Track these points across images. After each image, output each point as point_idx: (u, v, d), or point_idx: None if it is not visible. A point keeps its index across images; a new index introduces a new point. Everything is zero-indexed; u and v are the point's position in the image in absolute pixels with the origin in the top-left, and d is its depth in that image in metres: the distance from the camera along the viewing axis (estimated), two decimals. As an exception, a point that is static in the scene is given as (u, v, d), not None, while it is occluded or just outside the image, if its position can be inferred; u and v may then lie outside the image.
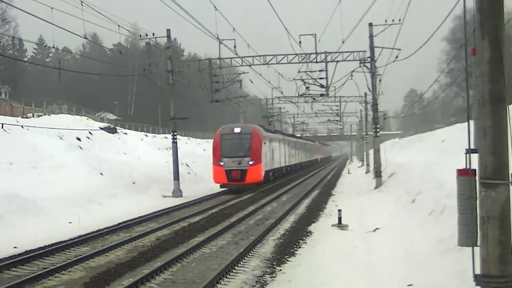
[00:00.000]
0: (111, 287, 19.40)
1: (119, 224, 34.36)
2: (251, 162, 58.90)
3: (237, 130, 61.31)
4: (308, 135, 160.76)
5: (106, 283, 19.87)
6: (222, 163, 58.72)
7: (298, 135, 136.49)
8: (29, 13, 36.09)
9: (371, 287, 18.17)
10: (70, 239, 28.64)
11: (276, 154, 75.82)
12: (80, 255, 24.57)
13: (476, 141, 11.81)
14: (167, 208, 42.28)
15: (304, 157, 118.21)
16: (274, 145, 73.48)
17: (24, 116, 73.34)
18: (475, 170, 11.79)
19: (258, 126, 63.56)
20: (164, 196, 52.57)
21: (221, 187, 60.38)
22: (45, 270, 21.62)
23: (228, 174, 58.58)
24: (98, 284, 19.77)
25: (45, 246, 26.93)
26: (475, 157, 11.77)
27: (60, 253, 25.85)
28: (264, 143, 61.93)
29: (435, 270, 17.32)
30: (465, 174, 11.95)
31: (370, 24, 54.81)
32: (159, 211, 41.09)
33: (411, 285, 17.07)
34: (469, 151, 11.94)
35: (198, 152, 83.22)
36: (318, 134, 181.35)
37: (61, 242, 27.95)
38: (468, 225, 11.84)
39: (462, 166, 12.07)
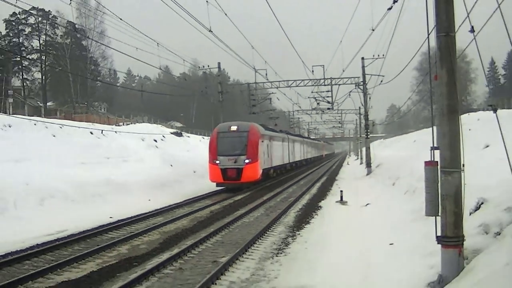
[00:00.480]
0: (179, 245, 19.53)
1: (184, 201, 34.64)
2: (247, 161, 43.57)
3: (233, 128, 45.80)
4: (318, 137, 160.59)
5: (175, 243, 20.13)
6: (217, 162, 43.74)
7: (312, 137, 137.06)
8: (121, 52, 36.65)
9: (363, 243, 18.19)
10: (149, 212, 28.86)
11: (278, 152, 57.93)
12: (156, 223, 24.87)
13: (438, 141, 11.90)
14: (217, 190, 42.58)
15: (309, 153, 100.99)
16: (275, 143, 56.39)
17: (117, 124, 73.67)
18: (437, 161, 11.88)
19: (256, 124, 48.04)
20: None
21: (217, 185, 44.33)
22: (131, 233, 21.92)
23: (223, 173, 43.58)
24: (169, 243, 20.03)
25: (132, 217, 27.14)
26: (437, 152, 11.87)
27: (142, 222, 26.21)
28: (262, 141, 46.83)
29: (409, 233, 17.30)
30: (430, 164, 12.03)
31: (362, 58, 55.85)
32: (212, 192, 41.40)
33: (392, 243, 17.08)
34: (433, 148, 12.03)
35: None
36: (326, 136, 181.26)
37: (143, 214, 28.17)
38: (432, 200, 11.91)
39: (428, 159, 12.15)
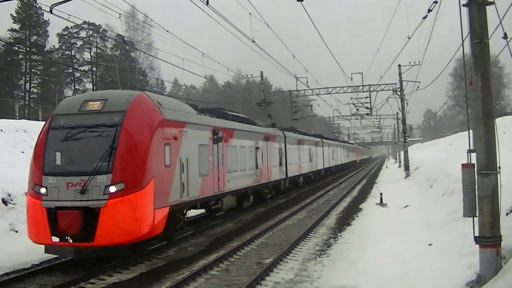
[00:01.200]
0: (225, 247, 19.62)
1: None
2: (114, 188, 15.80)
3: (92, 105, 17.38)
4: (357, 141, 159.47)
5: (221, 245, 20.17)
6: (42, 191, 16.21)
7: (352, 141, 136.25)
8: (168, 62, 37.24)
9: (403, 244, 18.10)
10: (197, 215, 28.83)
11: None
12: (203, 226, 24.79)
13: (474, 144, 11.85)
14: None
15: (336, 160, 74.75)
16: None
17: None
18: (474, 164, 11.84)
19: (151, 97, 18.52)
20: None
21: (46, 251, 16.67)
22: (179, 236, 21.52)
23: (52, 221, 15.75)
24: (215, 245, 20.13)
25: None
26: (473, 155, 11.82)
27: (191, 226, 25.85)
28: (180, 137, 19.15)
29: (447, 233, 17.19)
30: (467, 167, 12.00)
31: (399, 65, 55.52)
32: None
33: (431, 244, 17.00)
34: (469, 151, 11.99)
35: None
36: (365, 141, 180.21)
37: (191, 216, 28.01)
38: (470, 202, 11.87)
39: (465, 161, 12.09)
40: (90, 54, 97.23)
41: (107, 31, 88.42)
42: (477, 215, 11.79)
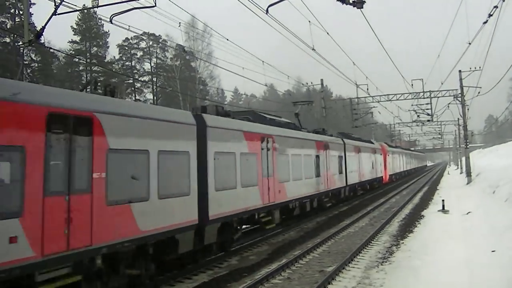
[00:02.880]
0: (287, 255, 19.62)
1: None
2: None
3: None
4: (418, 148, 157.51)
5: (283, 253, 20.21)
6: None
7: (412, 148, 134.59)
8: (228, 70, 37.33)
9: (465, 251, 17.81)
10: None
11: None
12: (264, 235, 24.37)
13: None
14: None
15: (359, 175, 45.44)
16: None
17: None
18: (537, 170, 11.61)
19: None
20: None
21: None
22: (239, 246, 21.53)
23: None
24: (277, 254, 20.19)
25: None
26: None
27: (250, 235, 24.83)
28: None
29: (511, 240, 16.88)
30: (530, 173, 11.76)
31: (460, 71, 54.61)
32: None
33: (494, 250, 16.68)
34: (532, 158, 11.74)
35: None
36: (426, 147, 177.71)
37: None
38: (533, 209, 11.63)
39: (527, 168, 11.86)
40: (150, 65, 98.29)
41: (167, 41, 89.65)
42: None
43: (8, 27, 60.17)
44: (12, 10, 62.87)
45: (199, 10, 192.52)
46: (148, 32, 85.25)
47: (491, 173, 43.09)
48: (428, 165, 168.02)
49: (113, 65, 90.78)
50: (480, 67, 48.29)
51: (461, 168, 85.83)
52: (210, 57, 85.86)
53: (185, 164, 16.15)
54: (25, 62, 66.29)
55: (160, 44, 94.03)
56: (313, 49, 29.79)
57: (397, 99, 58.82)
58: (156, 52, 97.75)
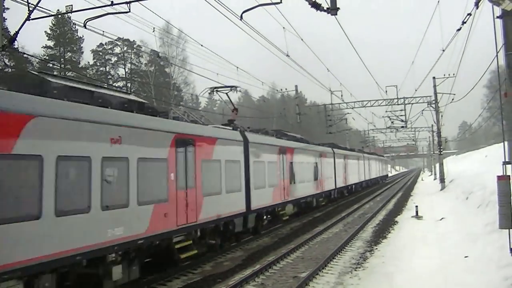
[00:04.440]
0: (261, 261, 19.59)
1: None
2: None
3: None
4: (391, 155, 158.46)
5: (257, 259, 20.17)
6: None
7: (386, 155, 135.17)
8: (203, 76, 37.30)
9: (439, 256, 17.89)
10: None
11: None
12: (239, 241, 24.47)
13: (510, 155, 11.68)
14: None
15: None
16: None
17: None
18: (509, 176, 11.67)
19: None
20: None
21: None
22: (216, 251, 21.56)
23: None
24: (252, 260, 20.15)
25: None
26: (509, 167, 11.66)
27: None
28: None
29: (483, 245, 16.97)
30: (503, 178, 11.84)
31: (434, 77, 55.14)
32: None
33: (467, 256, 16.77)
34: (505, 163, 11.82)
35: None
36: (400, 154, 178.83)
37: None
38: (505, 213, 11.73)
39: (500, 173, 11.93)
40: (125, 70, 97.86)
41: (141, 47, 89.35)
42: (513, 226, 11.62)
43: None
44: (-15, 15, 62.17)
45: (174, 16, 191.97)
46: (123, 38, 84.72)
47: (464, 180, 43.37)
48: (398, 172, 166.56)
49: (88, 70, 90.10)
50: (454, 74, 48.65)
51: (435, 174, 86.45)
52: (185, 63, 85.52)
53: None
54: (-1, 68, 65.70)
55: (134, 49, 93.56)
56: (287, 55, 29.82)
57: (371, 106, 59.13)
58: (131, 58, 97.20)
